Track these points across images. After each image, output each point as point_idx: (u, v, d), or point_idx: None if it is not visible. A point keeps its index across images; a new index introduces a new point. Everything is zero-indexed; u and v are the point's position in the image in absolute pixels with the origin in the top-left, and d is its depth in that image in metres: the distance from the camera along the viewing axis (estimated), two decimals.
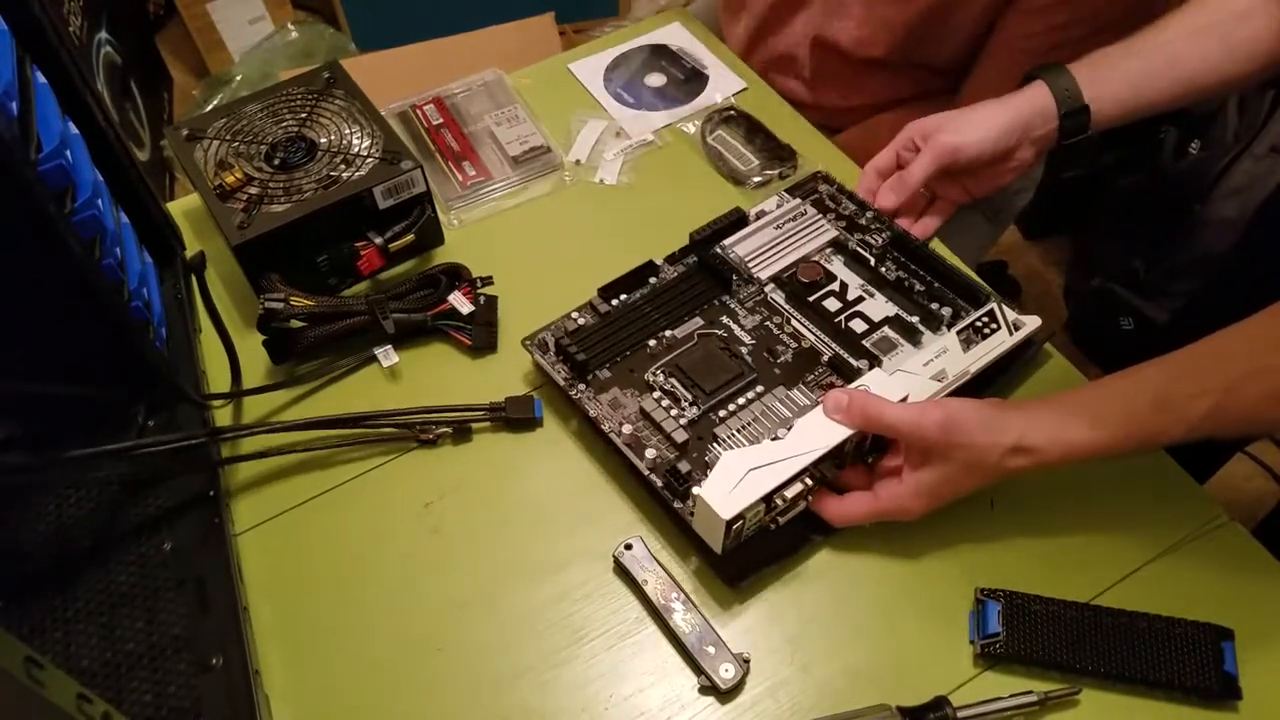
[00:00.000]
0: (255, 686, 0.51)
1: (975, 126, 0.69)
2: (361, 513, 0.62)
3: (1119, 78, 0.68)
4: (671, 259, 0.70)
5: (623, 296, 0.67)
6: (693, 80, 0.90)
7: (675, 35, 0.95)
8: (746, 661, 0.54)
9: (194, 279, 0.66)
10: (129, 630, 0.53)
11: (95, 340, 0.55)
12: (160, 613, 0.54)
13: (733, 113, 0.86)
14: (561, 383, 0.62)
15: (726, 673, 0.53)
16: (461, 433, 0.65)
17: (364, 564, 0.60)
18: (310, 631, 0.57)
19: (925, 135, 0.70)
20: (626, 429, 0.59)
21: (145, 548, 0.57)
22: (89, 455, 0.54)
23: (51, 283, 0.51)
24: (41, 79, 0.54)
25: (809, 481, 0.54)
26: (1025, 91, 0.70)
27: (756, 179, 0.80)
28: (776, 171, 0.80)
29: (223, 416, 0.66)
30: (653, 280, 0.68)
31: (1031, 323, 0.64)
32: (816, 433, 0.55)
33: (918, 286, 0.68)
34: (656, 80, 0.90)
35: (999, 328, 0.62)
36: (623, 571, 0.58)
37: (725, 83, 0.90)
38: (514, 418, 0.65)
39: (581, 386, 0.62)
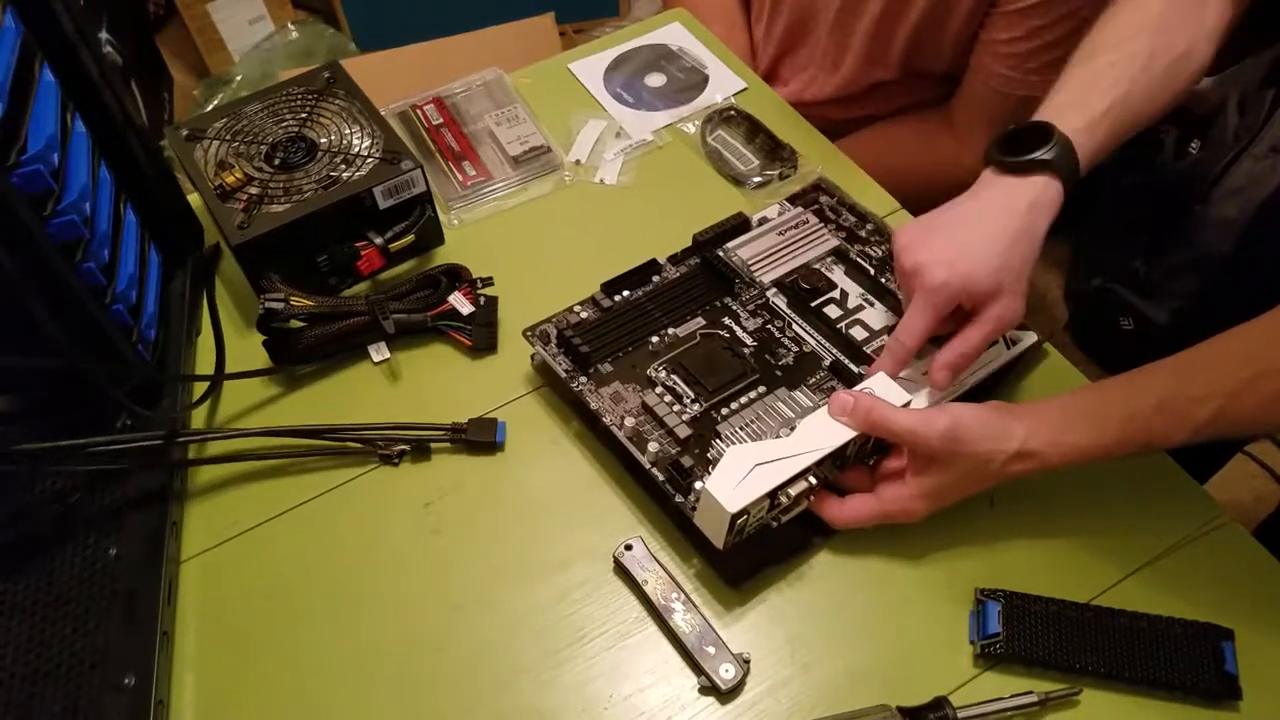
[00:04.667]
0: (157, 716, 0.50)
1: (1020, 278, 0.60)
2: (358, 514, 0.62)
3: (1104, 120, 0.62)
4: (674, 259, 0.70)
5: (625, 292, 0.67)
6: (693, 80, 0.90)
7: (675, 35, 0.95)
8: (747, 662, 0.54)
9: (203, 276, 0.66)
10: (56, 633, 0.52)
11: (69, 342, 0.54)
12: (89, 621, 0.53)
13: (733, 113, 0.86)
14: (563, 374, 0.62)
15: (727, 673, 0.53)
16: (420, 451, 0.64)
17: (360, 566, 0.60)
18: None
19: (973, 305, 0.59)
20: (629, 423, 0.59)
21: (92, 550, 0.56)
22: (32, 451, 0.53)
23: (21, 286, 0.50)
24: (49, 77, 0.54)
25: (813, 480, 0.54)
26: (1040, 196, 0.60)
27: (757, 179, 0.80)
28: (776, 172, 0.80)
29: (199, 416, 0.66)
30: (655, 278, 0.68)
31: (1028, 338, 0.64)
32: (821, 432, 0.55)
33: None
34: (656, 80, 0.90)
35: (996, 341, 0.63)
36: (623, 571, 0.58)
37: (725, 83, 0.90)
38: (475, 440, 0.64)
39: (583, 379, 0.62)
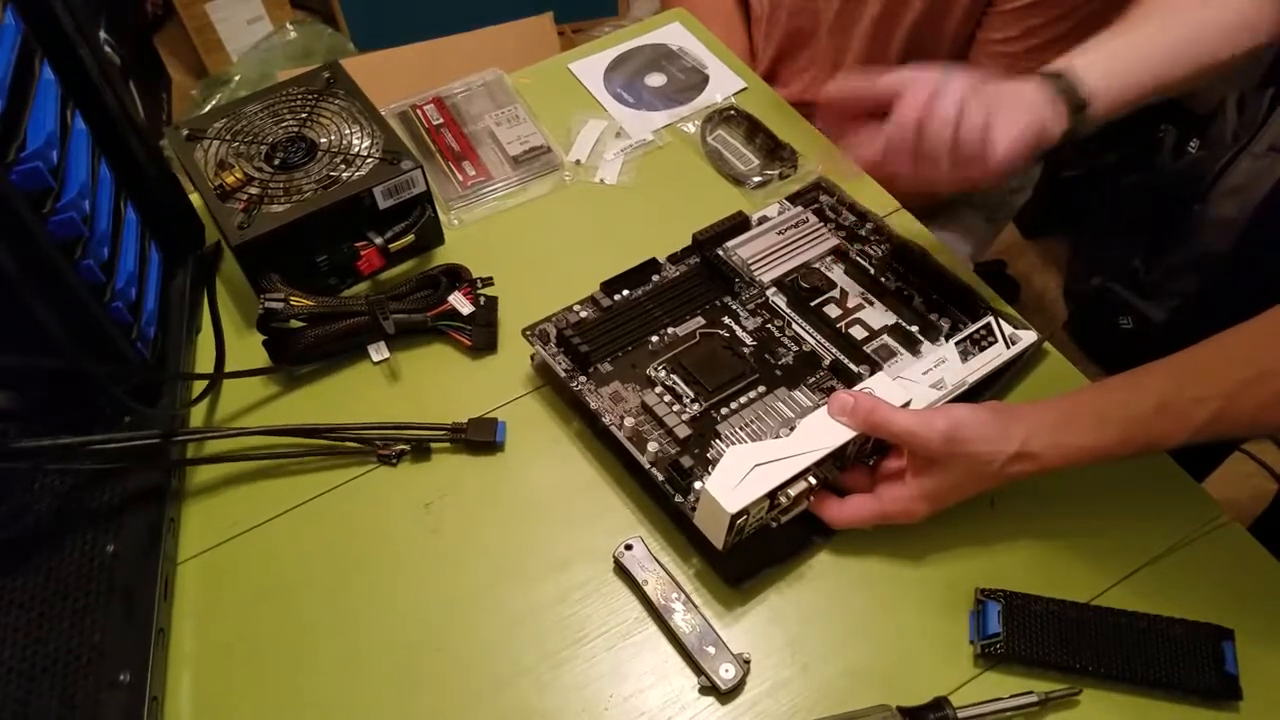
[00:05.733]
0: (151, 713, 0.50)
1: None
2: (358, 515, 0.62)
3: (1123, 63, 0.61)
4: (674, 258, 0.70)
5: (625, 292, 0.67)
6: (693, 80, 0.90)
7: (675, 35, 0.95)
8: (747, 662, 0.54)
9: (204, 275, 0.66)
10: (53, 629, 0.52)
11: (68, 339, 0.54)
12: (86, 617, 0.53)
13: (733, 112, 0.86)
14: (562, 374, 0.62)
15: (727, 673, 0.53)
16: (420, 451, 0.64)
17: (360, 566, 0.59)
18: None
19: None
20: (628, 423, 0.59)
21: (89, 547, 0.56)
22: (31, 449, 0.53)
23: (20, 283, 0.50)
24: (49, 74, 0.54)
25: (812, 480, 0.54)
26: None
27: (756, 179, 0.80)
28: (776, 171, 0.81)
29: (198, 414, 0.66)
30: (655, 277, 0.68)
31: (1028, 337, 0.64)
32: (821, 433, 0.55)
33: (916, 297, 0.68)
34: (656, 80, 0.90)
35: (996, 340, 0.63)
36: (623, 571, 0.58)
37: (725, 82, 0.90)
38: (474, 440, 0.63)
39: (583, 378, 0.62)
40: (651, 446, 0.58)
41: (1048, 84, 0.59)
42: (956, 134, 0.56)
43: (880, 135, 0.59)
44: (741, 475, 0.52)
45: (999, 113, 0.57)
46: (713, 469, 0.55)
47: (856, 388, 0.58)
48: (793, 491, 0.54)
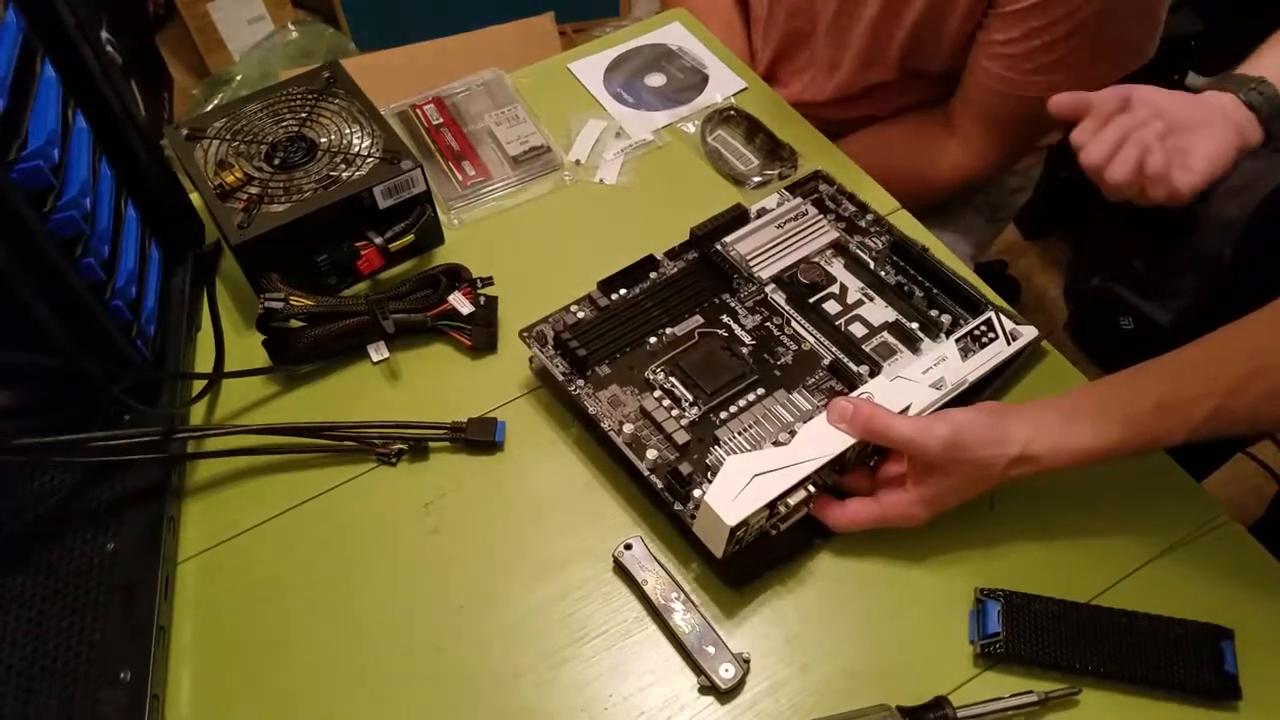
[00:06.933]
0: (151, 710, 0.50)
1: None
2: (358, 514, 0.62)
3: None
4: (672, 254, 0.69)
5: (622, 291, 0.67)
6: (693, 80, 0.90)
7: (675, 35, 0.95)
8: (746, 661, 0.54)
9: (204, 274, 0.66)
10: (53, 627, 0.53)
11: (68, 337, 0.54)
12: (86, 615, 0.53)
13: (733, 112, 0.86)
14: (560, 378, 0.62)
15: (726, 673, 0.53)
16: (420, 451, 0.64)
17: (359, 566, 0.59)
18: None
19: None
20: (627, 428, 0.59)
21: (89, 545, 0.56)
22: (31, 445, 0.54)
23: (20, 281, 0.50)
24: (51, 73, 0.54)
25: (812, 489, 0.54)
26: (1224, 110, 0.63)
27: (756, 179, 0.80)
28: (776, 171, 0.80)
29: (198, 413, 0.66)
30: (653, 275, 0.68)
31: (1028, 333, 0.64)
32: (820, 440, 0.55)
33: (917, 292, 0.68)
34: (656, 80, 0.90)
35: (996, 337, 0.63)
36: (622, 571, 0.58)
37: (725, 82, 0.90)
38: (474, 440, 0.63)
39: (580, 382, 0.62)
40: (651, 453, 0.58)
41: (1244, 91, 0.61)
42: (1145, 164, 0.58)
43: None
44: (741, 486, 0.52)
45: (1195, 131, 0.60)
46: (712, 476, 0.54)
47: (855, 393, 0.58)
48: (792, 501, 0.54)
